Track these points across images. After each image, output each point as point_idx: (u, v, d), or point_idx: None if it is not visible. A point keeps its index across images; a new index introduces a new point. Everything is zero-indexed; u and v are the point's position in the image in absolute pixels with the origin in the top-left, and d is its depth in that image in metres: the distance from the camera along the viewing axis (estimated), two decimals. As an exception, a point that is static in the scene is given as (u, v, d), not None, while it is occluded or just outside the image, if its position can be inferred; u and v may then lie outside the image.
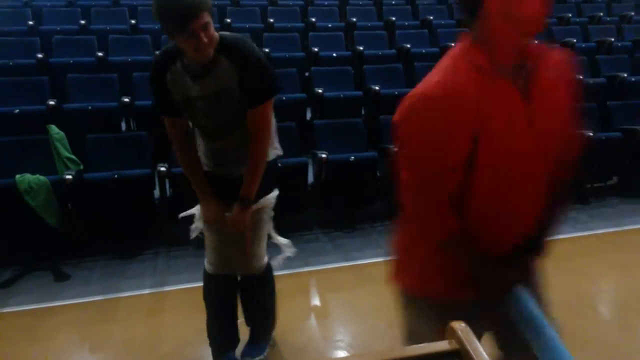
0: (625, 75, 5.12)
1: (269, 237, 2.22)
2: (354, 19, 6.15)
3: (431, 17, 6.39)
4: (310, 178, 3.83)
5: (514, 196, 1.21)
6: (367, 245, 3.69)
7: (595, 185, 4.61)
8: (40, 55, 4.65)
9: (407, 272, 1.38)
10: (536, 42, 1.21)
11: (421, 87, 1.16)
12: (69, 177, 3.22)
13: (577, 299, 2.95)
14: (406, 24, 6.35)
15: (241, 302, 2.35)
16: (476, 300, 1.19)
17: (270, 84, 1.87)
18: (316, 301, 3.15)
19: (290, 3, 6.80)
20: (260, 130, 1.91)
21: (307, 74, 5.00)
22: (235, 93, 1.82)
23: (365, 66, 5.06)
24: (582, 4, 7.59)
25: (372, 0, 7.12)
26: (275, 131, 2.05)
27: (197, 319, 2.35)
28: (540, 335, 1.14)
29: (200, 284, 2.26)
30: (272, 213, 2.16)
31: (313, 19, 6.13)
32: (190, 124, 2.01)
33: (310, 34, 5.76)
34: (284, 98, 4.17)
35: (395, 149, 1.22)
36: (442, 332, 0.82)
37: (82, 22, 5.56)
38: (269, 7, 6.50)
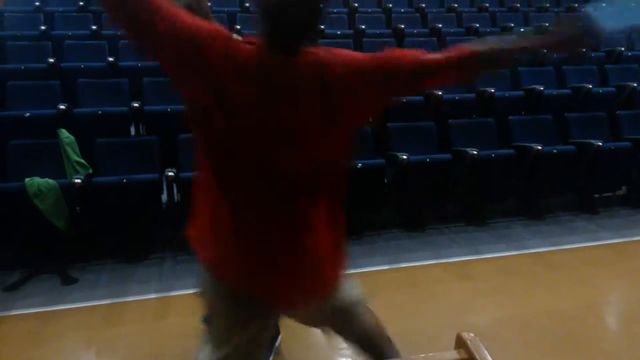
0: (635, 85, 5.10)
1: None
2: (363, 27, 6.17)
3: (440, 25, 6.39)
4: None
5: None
6: (374, 253, 3.68)
7: (604, 195, 4.59)
8: (51, 60, 4.69)
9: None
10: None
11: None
12: (78, 181, 3.24)
13: (585, 309, 2.91)
14: (415, 31, 6.35)
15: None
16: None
17: None
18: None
19: (300, 10, 6.82)
20: None
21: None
22: None
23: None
24: (591, 13, 7.57)
25: (381, 8, 7.15)
26: None
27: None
28: None
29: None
30: None
31: (322, 27, 6.14)
32: None
33: (320, 41, 5.76)
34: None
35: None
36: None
37: (94, 27, 5.61)
38: (279, 14, 6.53)
